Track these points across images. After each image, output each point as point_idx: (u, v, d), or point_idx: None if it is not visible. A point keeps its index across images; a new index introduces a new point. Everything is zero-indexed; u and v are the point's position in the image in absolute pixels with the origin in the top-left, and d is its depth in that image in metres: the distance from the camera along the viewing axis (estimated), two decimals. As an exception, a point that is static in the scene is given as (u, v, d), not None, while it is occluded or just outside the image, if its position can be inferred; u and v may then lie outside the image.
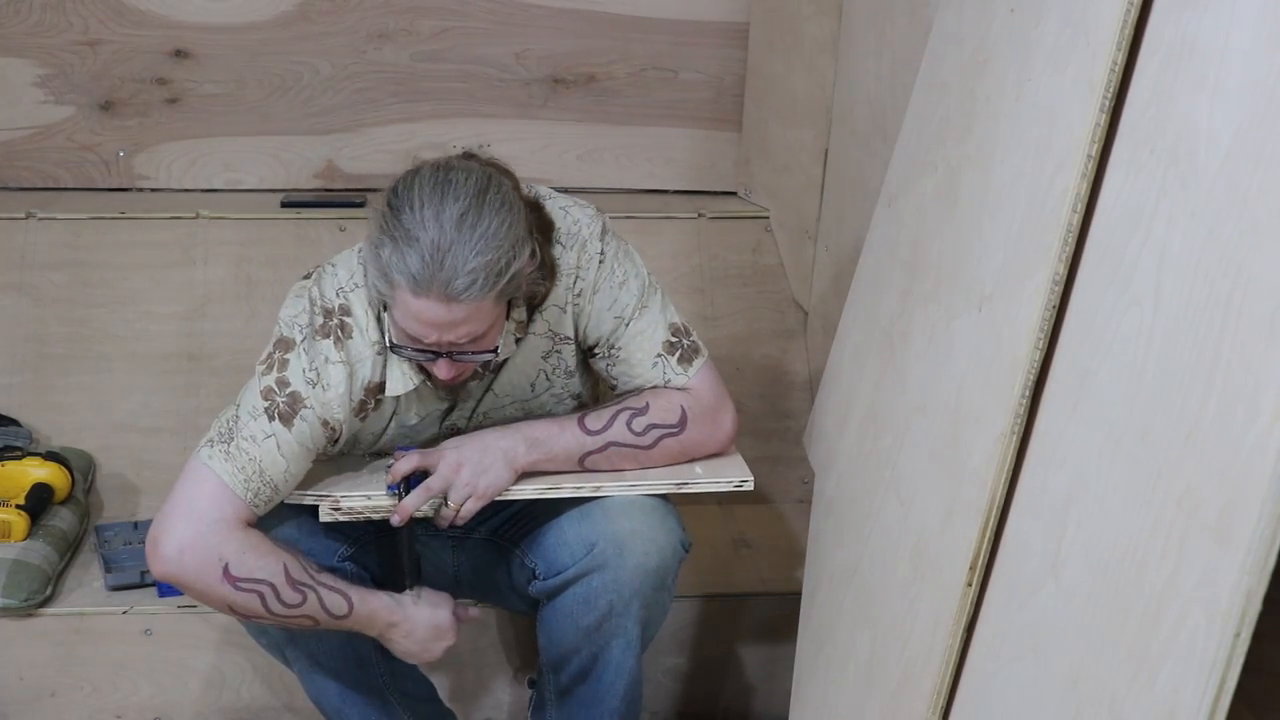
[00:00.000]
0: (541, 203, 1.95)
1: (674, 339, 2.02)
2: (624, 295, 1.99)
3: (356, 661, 2.08)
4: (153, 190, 3.04)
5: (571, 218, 1.98)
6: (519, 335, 1.98)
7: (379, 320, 1.91)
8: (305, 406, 1.88)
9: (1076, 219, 1.48)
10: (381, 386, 1.94)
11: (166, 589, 2.38)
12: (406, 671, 2.15)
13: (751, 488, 2.03)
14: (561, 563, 1.99)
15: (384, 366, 1.93)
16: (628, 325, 2.00)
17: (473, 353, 1.86)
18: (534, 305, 1.97)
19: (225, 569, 1.84)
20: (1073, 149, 1.48)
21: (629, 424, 1.99)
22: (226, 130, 3.03)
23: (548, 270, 1.93)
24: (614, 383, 2.05)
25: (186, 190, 3.04)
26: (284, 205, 2.96)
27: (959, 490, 1.64)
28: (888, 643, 1.79)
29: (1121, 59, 1.43)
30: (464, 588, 2.22)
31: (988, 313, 1.64)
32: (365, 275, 1.90)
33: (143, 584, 2.39)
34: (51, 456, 2.52)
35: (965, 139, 1.79)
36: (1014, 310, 1.56)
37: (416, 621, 1.99)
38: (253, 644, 2.12)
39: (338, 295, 1.92)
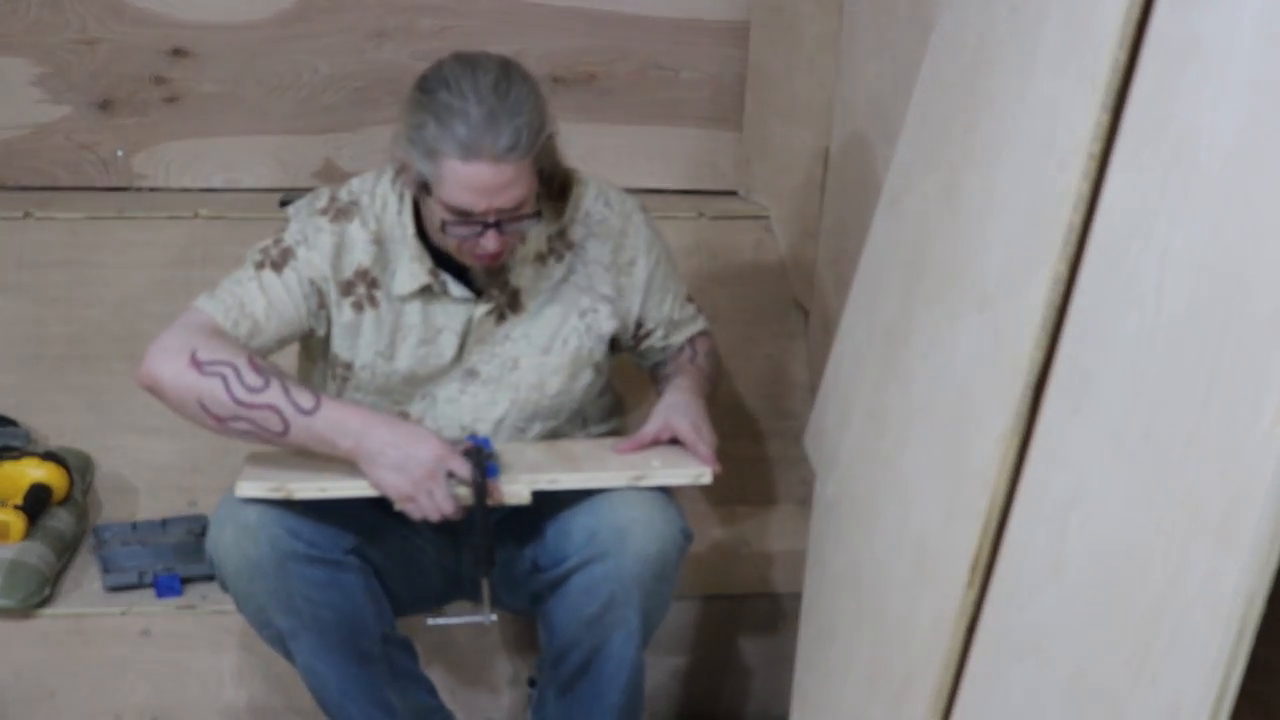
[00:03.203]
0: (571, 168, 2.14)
1: (689, 295, 2.31)
2: (668, 265, 2.25)
3: (358, 656, 2.07)
4: (151, 190, 3.04)
5: (614, 189, 2.20)
6: (543, 234, 2.09)
7: (378, 219, 2.05)
8: (294, 258, 2.04)
9: (1078, 219, 1.47)
10: (374, 280, 2.05)
11: (165, 589, 2.38)
12: (407, 670, 2.16)
13: (709, 480, 2.04)
14: (563, 552, 2.01)
15: (383, 263, 2.05)
16: (672, 292, 2.25)
17: (517, 218, 1.95)
18: (558, 212, 2.10)
19: (193, 355, 1.94)
20: (1075, 148, 1.48)
21: (707, 356, 2.28)
22: (225, 129, 3.02)
23: (564, 179, 2.09)
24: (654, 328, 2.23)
25: (185, 190, 3.04)
26: (283, 205, 2.94)
27: (960, 491, 1.63)
28: (889, 643, 1.79)
29: (1124, 58, 1.43)
30: (466, 585, 2.22)
31: (989, 313, 1.63)
32: (376, 182, 2.07)
33: (141, 584, 2.39)
34: (50, 457, 2.51)
35: (967, 138, 1.78)
36: (1016, 310, 1.56)
37: (400, 436, 1.93)
38: (252, 643, 2.11)
39: (350, 194, 2.09)
